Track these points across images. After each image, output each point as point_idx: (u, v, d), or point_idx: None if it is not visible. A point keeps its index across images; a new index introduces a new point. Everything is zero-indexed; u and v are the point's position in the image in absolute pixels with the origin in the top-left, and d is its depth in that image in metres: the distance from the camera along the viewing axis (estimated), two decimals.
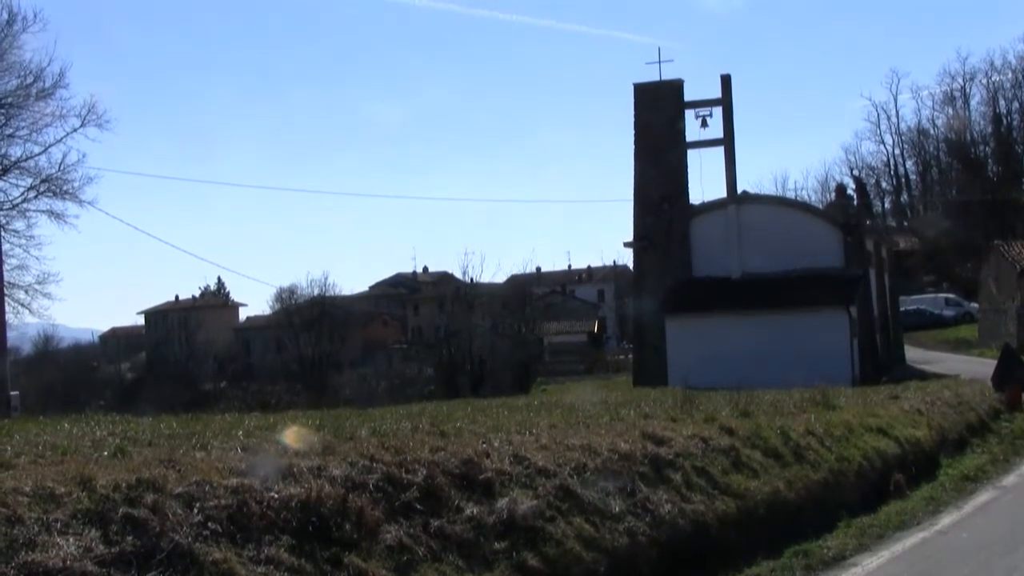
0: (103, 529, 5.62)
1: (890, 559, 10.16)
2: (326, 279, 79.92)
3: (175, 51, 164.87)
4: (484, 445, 8.90)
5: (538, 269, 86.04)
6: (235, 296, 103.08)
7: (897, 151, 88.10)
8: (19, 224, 37.85)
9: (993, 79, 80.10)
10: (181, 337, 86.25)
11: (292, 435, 8.72)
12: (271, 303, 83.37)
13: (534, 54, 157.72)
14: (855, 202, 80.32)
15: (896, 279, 48.05)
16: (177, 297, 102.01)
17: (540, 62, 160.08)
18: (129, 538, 5.63)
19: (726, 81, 40.53)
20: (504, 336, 62.03)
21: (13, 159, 37.73)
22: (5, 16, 36.61)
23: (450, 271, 79.61)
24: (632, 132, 40.82)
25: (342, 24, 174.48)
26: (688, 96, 40.86)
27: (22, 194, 37.97)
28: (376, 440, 8.42)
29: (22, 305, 37.90)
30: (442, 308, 72.22)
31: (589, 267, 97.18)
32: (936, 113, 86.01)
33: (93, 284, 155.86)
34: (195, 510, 6.09)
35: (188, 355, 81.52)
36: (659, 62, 40.91)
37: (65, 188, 37.75)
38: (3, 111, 37.30)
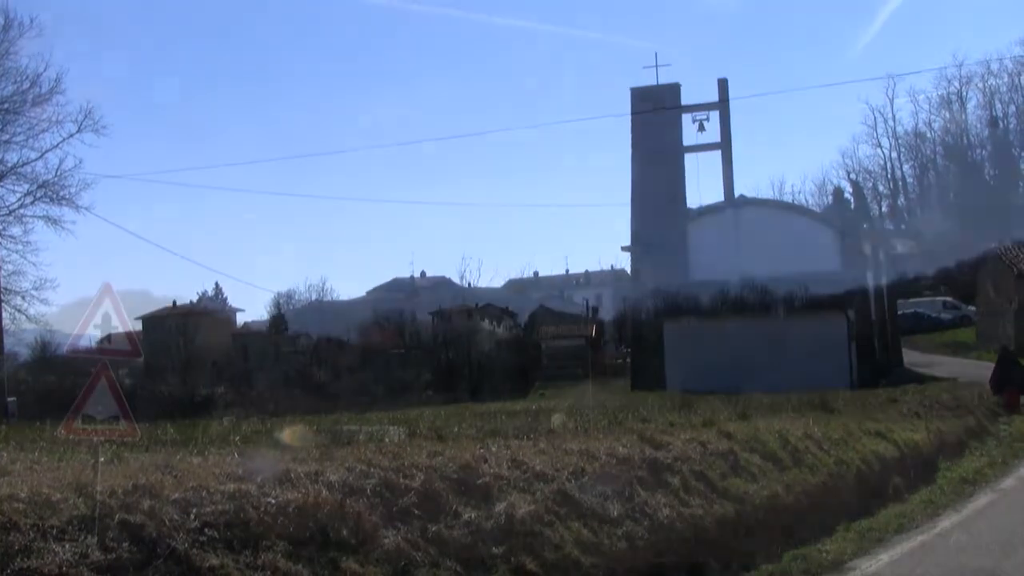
0: (99, 535, 5.60)
1: (888, 563, 10.14)
2: (324, 284, 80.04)
3: (173, 56, 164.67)
4: (482, 450, 8.89)
5: (536, 274, 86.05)
6: (233, 301, 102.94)
7: (894, 154, 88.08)
8: (16, 230, 37.84)
9: (989, 83, 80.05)
10: (179, 343, 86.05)
11: (289, 434, 8.79)
12: (269, 308, 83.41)
13: (531, 59, 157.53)
14: (852, 206, 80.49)
15: (893, 282, 48.03)
16: (175, 303, 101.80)
17: (537, 67, 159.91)
18: (125, 544, 5.61)
19: (723, 85, 40.60)
20: (502, 341, 61.98)
21: (9, 165, 37.76)
22: (1, 21, 36.71)
23: (448, 276, 79.75)
24: (630, 136, 40.89)
25: (341, 29, 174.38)
26: (685, 100, 40.99)
27: (19, 200, 37.99)
28: (373, 445, 8.40)
29: (19, 311, 37.89)
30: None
31: (587, 271, 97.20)
32: (933, 116, 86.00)
33: (90, 289, 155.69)
34: (192, 516, 6.07)
35: (186, 360, 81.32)
36: (656, 66, 41.04)
37: (62, 194, 37.73)
38: None
